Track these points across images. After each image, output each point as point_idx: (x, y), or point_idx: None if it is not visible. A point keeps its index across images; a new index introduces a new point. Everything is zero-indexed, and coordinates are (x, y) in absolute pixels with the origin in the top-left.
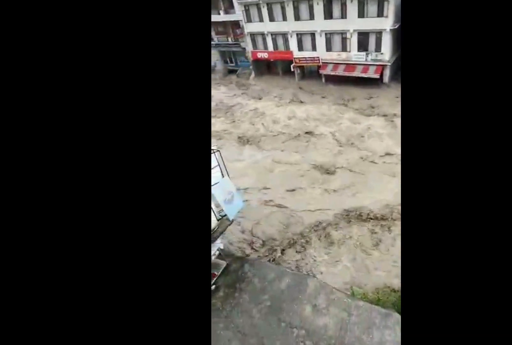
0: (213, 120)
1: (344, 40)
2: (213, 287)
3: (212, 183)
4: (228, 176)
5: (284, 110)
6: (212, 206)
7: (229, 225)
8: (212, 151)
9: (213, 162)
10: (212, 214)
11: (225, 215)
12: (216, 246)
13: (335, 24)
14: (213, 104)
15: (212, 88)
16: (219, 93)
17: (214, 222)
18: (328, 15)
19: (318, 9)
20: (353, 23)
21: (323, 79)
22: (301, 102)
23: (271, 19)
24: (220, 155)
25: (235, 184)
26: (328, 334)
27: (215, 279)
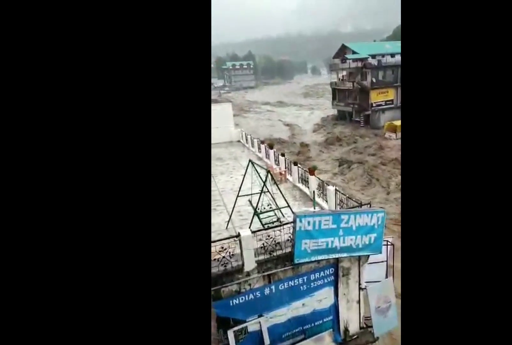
0: None
1: None
2: None
3: (371, 280)
4: (393, 278)
5: None
6: (361, 308)
7: (371, 343)
8: (385, 243)
9: (382, 256)
10: (358, 318)
11: (371, 326)
12: None
13: None
14: None
15: None
16: None
17: (355, 329)
18: None
19: None
20: None
21: None
22: None
23: None
24: (393, 249)
25: None
26: None
27: None
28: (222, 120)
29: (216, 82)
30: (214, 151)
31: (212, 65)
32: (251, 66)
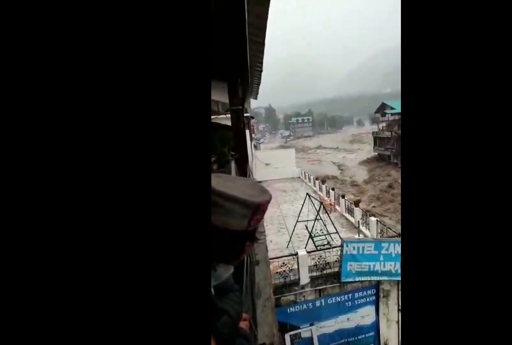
0: None
1: None
2: None
3: None
4: None
5: None
6: (400, 328)
7: None
8: None
9: None
10: (397, 337)
11: None
12: None
13: None
14: None
15: None
16: None
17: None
18: None
19: None
20: None
21: None
22: None
23: None
24: None
25: None
26: None
27: None
28: (287, 161)
29: (283, 132)
30: (280, 185)
31: (281, 120)
32: (310, 120)
